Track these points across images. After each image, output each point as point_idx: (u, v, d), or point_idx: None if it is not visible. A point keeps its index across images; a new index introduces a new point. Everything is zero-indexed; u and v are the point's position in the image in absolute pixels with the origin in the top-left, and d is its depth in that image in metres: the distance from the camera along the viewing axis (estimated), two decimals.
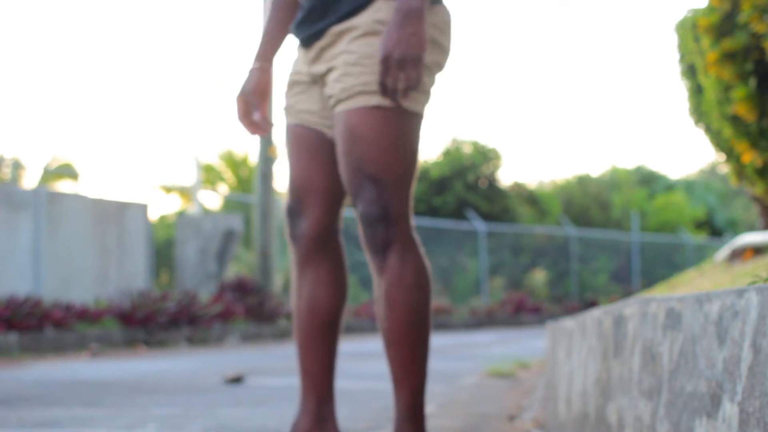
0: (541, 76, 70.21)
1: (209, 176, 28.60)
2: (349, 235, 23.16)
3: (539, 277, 27.14)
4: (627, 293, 23.92)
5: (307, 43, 2.79)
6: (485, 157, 28.97)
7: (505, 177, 36.53)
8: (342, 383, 5.36)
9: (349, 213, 21.74)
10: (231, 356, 10.15)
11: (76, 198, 15.08)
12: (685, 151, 74.69)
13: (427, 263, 2.75)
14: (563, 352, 3.70)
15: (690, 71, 6.48)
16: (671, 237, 31.64)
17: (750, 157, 5.26)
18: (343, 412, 4.28)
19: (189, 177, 21.57)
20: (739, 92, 4.89)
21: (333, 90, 2.72)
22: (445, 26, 2.77)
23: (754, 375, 1.36)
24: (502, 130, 61.89)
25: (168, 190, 25.49)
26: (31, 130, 40.87)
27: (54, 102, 46.47)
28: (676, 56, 6.61)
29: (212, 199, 28.63)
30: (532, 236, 28.16)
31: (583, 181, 33.19)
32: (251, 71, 2.92)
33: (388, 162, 2.68)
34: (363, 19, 2.68)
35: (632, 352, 2.17)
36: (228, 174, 29.35)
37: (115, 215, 15.30)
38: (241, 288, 15.08)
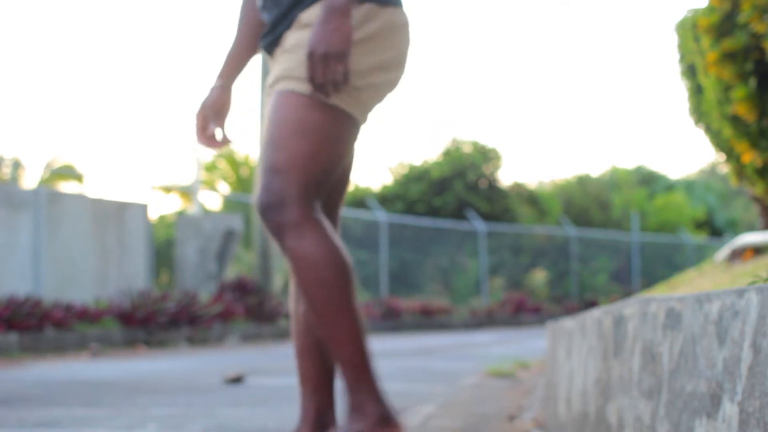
0: (541, 76, 70.22)
1: (209, 176, 28.60)
2: (348, 234, 23.13)
3: (539, 277, 27.14)
4: (627, 293, 23.92)
5: (269, 51, 2.84)
6: (485, 157, 28.97)
7: (505, 177, 36.53)
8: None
9: (348, 213, 21.75)
10: (231, 356, 10.15)
11: (76, 198, 15.08)
12: (685, 151, 74.72)
13: (333, 241, 2.67)
14: (563, 352, 3.70)
15: (690, 71, 6.48)
16: (671, 237, 31.64)
17: (750, 157, 5.26)
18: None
19: (189, 177, 21.56)
20: (739, 92, 4.89)
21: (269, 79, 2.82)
22: (389, 30, 2.76)
23: (754, 375, 1.36)
24: (502, 130, 61.92)
25: (168, 190, 25.49)
26: (31, 130, 40.87)
27: (54, 102, 46.47)
28: (676, 56, 6.62)
29: (212, 199, 28.64)
30: (532, 236, 28.16)
31: (583, 181, 33.20)
32: (212, 89, 2.99)
33: (289, 147, 2.67)
34: (307, 14, 2.73)
35: (632, 352, 2.17)
36: (228, 174, 29.36)
37: (115, 215, 15.30)
38: (241, 288, 15.09)
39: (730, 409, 1.45)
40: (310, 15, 2.72)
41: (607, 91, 72.35)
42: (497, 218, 27.61)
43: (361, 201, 25.63)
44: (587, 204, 31.84)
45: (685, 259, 29.60)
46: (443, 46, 63.89)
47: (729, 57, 4.91)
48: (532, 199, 30.70)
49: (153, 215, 22.76)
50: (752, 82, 4.88)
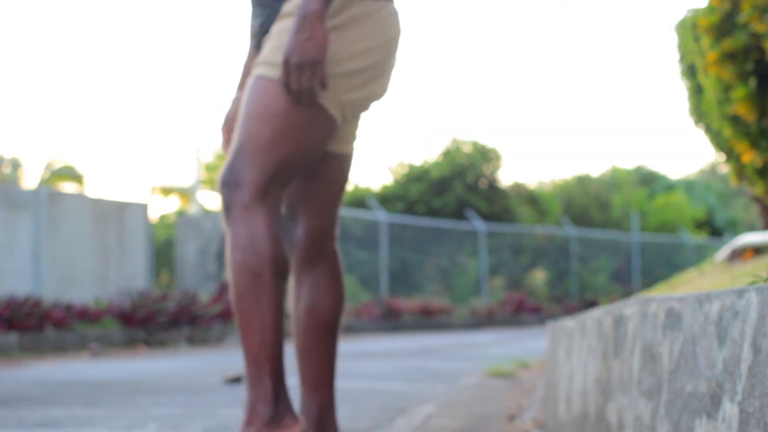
0: (541, 76, 70.22)
1: (209, 176, 28.60)
2: (348, 234, 23.15)
3: (539, 277, 27.14)
4: (627, 293, 23.92)
5: (258, 49, 2.88)
6: (485, 157, 28.96)
7: (505, 177, 36.54)
8: (342, 383, 5.37)
9: (348, 213, 21.75)
10: (231, 356, 10.15)
11: (76, 198, 15.08)
12: (685, 151, 74.71)
13: (270, 231, 2.67)
14: (563, 352, 3.70)
15: (690, 71, 6.49)
16: (671, 237, 31.64)
17: (750, 157, 5.26)
18: (343, 411, 4.28)
19: (189, 177, 21.55)
20: (739, 92, 4.89)
21: None
22: (363, 19, 2.77)
23: (754, 375, 1.36)
24: (502, 130, 61.92)
25: (167, 192, 25.49)
26: (31, 130, 40.87)
27: (54, 102, 46.47)
28: (676, 56, 6.62)
29: (212, 199, 28.63)
30: (532, 236, 28.16)
31: (583, 181, 33.19)
32: (234, 101, 3.04)
33: (252, 130, 2.70)
34: (288, 4, 2.77)
35: (632, 352, 2.17)
36: None
37: (115, 215, 15.30)
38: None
39: (730, 409, 1.45)
40: (291, 5, 2.75)
41: (607, 91, 72.35)
42: (497, 218, 27.61)
43: (361, 201, 25.63)
44: (587, 204, 31.84)
45: (685, 259, 29.61)
46: (443, 46, 63.90)
47: (729, 57, 4.92)
48: (532, 199, 30.69)
49: (153, 215, 22.78)
50: (752, 82, 4.88)
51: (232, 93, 3.06)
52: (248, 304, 2.64)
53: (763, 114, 4.93)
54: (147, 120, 47.59)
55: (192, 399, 5.35)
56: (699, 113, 6.46)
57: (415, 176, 28.57)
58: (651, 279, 26.65)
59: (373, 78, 2.79)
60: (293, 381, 3.00)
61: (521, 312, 22.45)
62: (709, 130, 6.33)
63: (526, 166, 64.08)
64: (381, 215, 22.17)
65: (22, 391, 5.85)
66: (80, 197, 15.12)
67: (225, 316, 13.42)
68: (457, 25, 63.73)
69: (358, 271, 21.24)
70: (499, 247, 26.46)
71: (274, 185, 2.71)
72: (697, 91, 6.42)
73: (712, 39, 4.97)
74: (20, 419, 4.32)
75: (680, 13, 6.76)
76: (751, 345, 1.38)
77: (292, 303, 2.95)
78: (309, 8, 2.62)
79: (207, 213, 20.13)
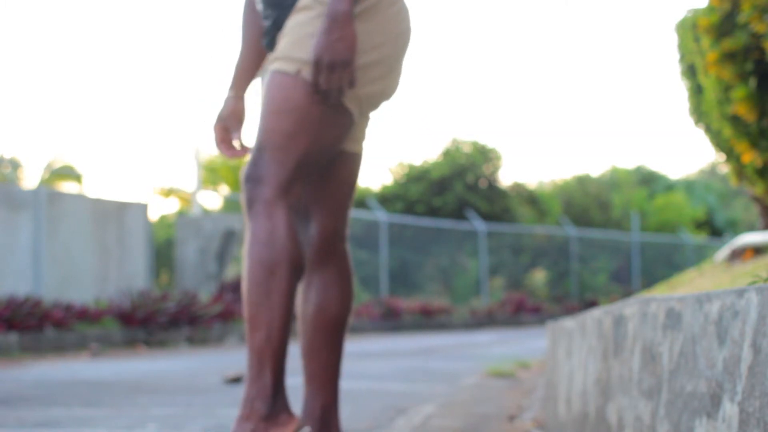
0: (541, 76, 70.21)
1: (209, 176, 28.60)
2: (349, 234, 23.14)
3: (539, 277, 27.14)
4: (627, 293, 23.92)
5: (271, 47, 2.87)
6: (485, 157, 28.96)
7: (505, 177, 36.52)
8: (342, 383, 5.35)
9: None
10: (231, 356, 10.15)
11: (76, 198, 15.08)
12: (685, 151, 74.70)
13: (289, 229, 2.68)
14: (563, 352, 3.70)
15: (690, 71, 6.48)
16: (671, 237, 31.64)
17: (750, 157, 5.26)
18: (343, 411, 4.28)
19: (189, 177, 21.56)
20: (739, 92, 4.89)
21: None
22: (373, 12, 2.77)
23: (754, 375, 1.36)
24: (502, 130, 61.91)
25: (167, 194, 25.49)
26: (31, 130, 40.86)
27: (54, 102, 46.46)
28: (676, 56, 6.61)
29: (212, 200, 28.64)
30: (532, 236, 28.16)
31: (583, 181, 33.19)
32: (227, 99, 3.03)
33: (272, 125, 2.72)
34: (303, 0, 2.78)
35: (632, 352, 2.17)
36: (228, 174, 29.37)
37: (115, 215, 15.30)
38: (241, 288, 15.08)
39: (730, 409, 1.45)
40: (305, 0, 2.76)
41: (607, 91, 72.34)
42: (497, 218, 27.61)
43: (361, 201, 25.63)
44: (587, 204, 31.83)
45: (685, 259, 29.60)
46: (443, 46, 63.89)
47: (729, 57, 4.91)
48: (532, 199, 30.69)
49: (153, 215, 22.79)
50: (752, 82, 4.88)
51: (224, 92, 3.05)
52: (259, 297, 2.65)
53: (763, 114, 4.93)
54: (147, 120, 47.58)
55: (192, 399, 5.35)
56: (699, 113, 6.46)
57: (415, 176, 28.57)
58: (651, 279, 26.65)
59: (384, 74, 2.80)
60: (298, 381, 3.01)
61: (521, 312, 22.45)
62: (709, 130, 6.33)
63: (526, 166, 64.09)
64: (381, 215, 22.16)
65: (22, 391, 5.85)
66: (80, 197, 15.12)
67: (225, 316, 13.42)
68: (458, 24, 63.72)
69: (358, 271, 21.23)
70: (499, 247, 26.46)
71: (295, 182, 2.73)
72: (697, 91, 6.42)
73: (712, 39, 4.97)
74: (20, 419, 4.32)
75: (680, 13, 6.76)
76: (751, 345, 1.38)
77: (299, 302, 2.95)
78: (338, 8, 2.63)
79: (207, 213, 20.13)
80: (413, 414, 4.64)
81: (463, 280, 25.27)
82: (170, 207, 27.03)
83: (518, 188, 30.40)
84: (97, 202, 15.05)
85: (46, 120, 43.28)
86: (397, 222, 23.65)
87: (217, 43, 52.19)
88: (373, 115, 2.92)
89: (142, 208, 15.89)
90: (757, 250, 5.16)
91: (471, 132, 54.07)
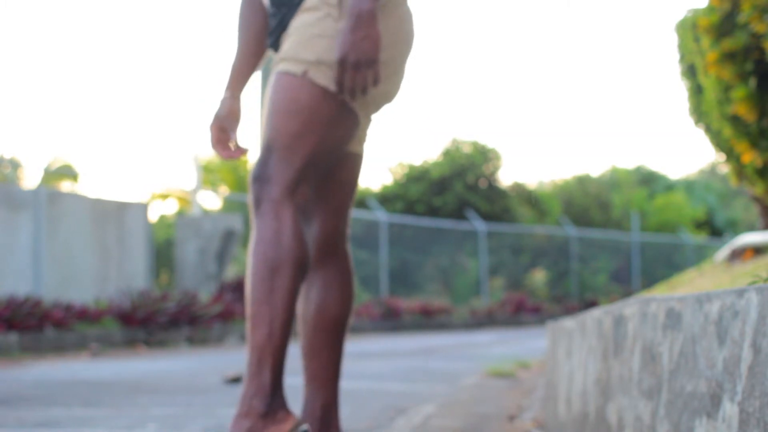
0: (541, 76, 70.21)
1: (209, 176, 28.60)
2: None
3: (539, 277, 27.13)
4: (627, 293, 23.92)
5: (276, 48, 2.87)
6: (485, 157, 28.96)
7: (505, 177, 36.51)
8: (342, 383, 5.35)
9: None
10: (231, 356, 10.15)
11: (76, 198, 15.08)
12: (685, 151, 74.69)
13: (294, 228, 2.70)
14: (563, 352, 3.70)
15: (690, 71, 6.48)
16: (671, 237, 31.64)
17: (750, 157, 5.26)
18: (343, 411, 4.28)
19: (189, 177, 21.55)
20: (739, 92, 4.89)
21: None
22: (390, 12, 2.78)
23: (754, 375, 1.36)
24: (502, 130, 61.90)
25: (164, 197, 25.51)
26: (31, 130, 40.86)
27: (54, 102, 46.46)
28: (676, 56, 6.61)
29: (212, 200, 28.64)
30: (532, 236, 28.16)
31: (583, 181, 33.19)
32: (223, 100, 3.02)
33: (279, 125, 2.73)
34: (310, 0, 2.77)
35: (632, 352, 2.17)
36: (227, 174, 29.37)
37: (115, 215, 15.30)
38: (241, 288, 15.07)
39: (730, 409, 1.45)
40: (313, 0, 2.75)
41: (607, 91, 72.33)
42: (497, 218, 27.61)
43: (361, 201, 25.63)
44: (587, 204, 31.83)
45: (685, 259, 29.60)
46: (443, 46, 63.88)
47: (729, 57, 4.91)
48: (532, 199, 30.69)
49: (153, 215, 22.78)
50: (752, 82, 4.88)
51: (221, 93, 3.04)
52: (262, 295, 2.66)
53: (763, 114, 4.93)
54: (146, 120, 47.58)
55: (192, 399, 5.35)
56: (699, 113, 6.46)
57: (415, 176, 28.58)
58: (651, 279, 26.64)
59: (389, 76, 2.81)
60: (298, 381, 3.01)
61: (521, 312, 22.45)
62: (709, 130, 6.33)
63: (526, 166, 64.09)
64: (381, 215, 22.16)
65: (22, 391, 5.84)
66: (80, 197, 15.12)
67: (225, 316, 13.42)
68: (458, 24, 63.71)
69: (358, 271, 21.22)
70: (499, 247, 26.46)
71: (302, 182, 2.74)
72: (697, 91, 6.42)
73: (712, 39, 4.97)
74: (20, 419, 4.32)
75: (680, 13, 6.76)
76: (751, 345, 1.38)
77: (300, 302, 2.95)
78: (363, 7, 2.63)
79: (207, 213, 20.13)
80: (413, 414, 4.64)
81: (463, 280, 25.27)
82: (170, 207, 27.04)
83: (518, 188, 30.40)
84: (97, 202, 15.05)
85: (46, 120, 43.28)
86: (397, 222, 23.65)
87: (215, 43, 52.19)
88: (375, 117, 2.93)
89: (142, 208, 15.88)
90: (757, 250, 5.16)
91: (471, 132, 54.07)
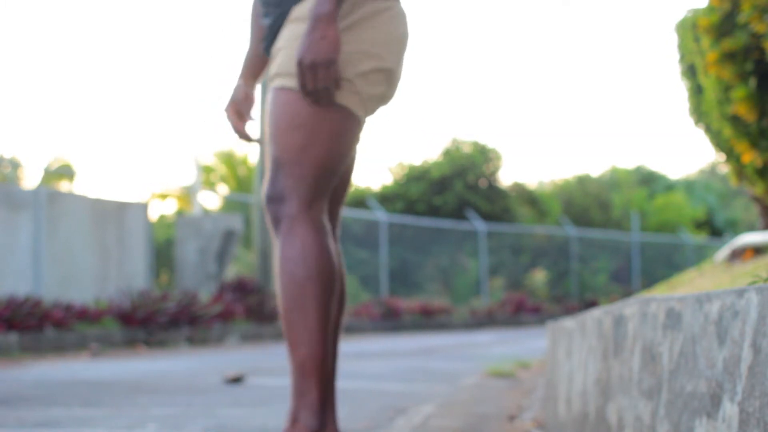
0: (541, 76, 70.21)
1: (209, 177, 28.60)
2: (348, 234, 23.16)
3: (539, 277, 27.14)
4: (627, 293, 23.92)
5: (267, 53, 2.90)
6: (485, 157, 28.97)
7: (505, 177, 36.52)
8: (341, 383, 5.36)
9: (348, 213, 21.74)
10: (231, 356, 10.15)
11: (76, 198, 15.08)
12: (685, 151, 74.72)
13: (321, 242, 2.71)
14: (563, 352, 3.70)
15: (690, 71, 6.48)
16: (671, 237, 31.64)
17: (750, 157, 5.26)
18: (342, 412, 4.28)
19: (189, 177, 21.56)
20: (739, 92, 4.89)
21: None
22: (372, 18, 2.78)
23: (754, 375, 1.36)
24: (502, 130, 61.91)
25: (163, 196, 25.52)
26: (30, 130, 40.87)
27: (54, 102, 46.46)
28: (676, 56, 6.61)
29: (212, 200, 28.63)
30: (532, 236, 28.16)
31: (583, 181, 33.20)
32: (237, 87, 3.07)
33: (284, 142, 2.73)
34: (298, 8, 2.78)
35: (632, 352, 2.17)
36: (228, 174, 29.37)
37: (115, 215, 15.30)
38: (241, 288, 15.08)
39: (730, 409, 1.45)
40: (302, 9, 2.76)
41: (607, 91, 72.34)
42: (497, 218, 27.61)
43: (361, 201, 25.63)
44: (587, 204, 31.84)
45: (685, 259, 29.60)
46: (443, 46, 63.89)
47: (729, 57, 4.91)
48: (532, 199, 30.69)
49: (153, 215, 22.77)
50: (752, 82, 4.88)
51: (234, 81, 3.09)
52: (296, 316, 2.67)
53: (763, 114, 4.93)
54: (146, 120, 47.58)
55: (192, 399, 5.35)
56: (699, 113, 6.46)
57: (415, 176, 28.59)
58: (651, 279, 26.65)
59: (384, 79, 2.81)
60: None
61: (521, 312, 22.45)
62: (709, 130, 6.33)
63: (526, 166, 64.10)
64: (381, 215, 22.16)
65: (22, 391, 5.84)
66: (80, 197, 15.12)
67: (225, 316, 13.42)
68: (458, 24, 63.71)
69: (358, 271, 21.24)
70: (499, 247, 26.46)
71: (318, 195, 2.74)
72: (697, 91, 6.42)
73: (712, 39, 4.97)
74: (20, 419, 4.32)
75: (680, 13, 6.76)
76: (751, 345, 1.38)
77: None
78: (321, 10, 2.64)
79: (207, 213, 20.13)
80: (413, 414, 4.64)
81: (463, 280, 25.28)
82: (170, 207, 27.04)
83: (518, 188, 30.41)
84: (97, 202, 15.05)
85: (46, 120, 43.28)
86: (397, 222, 23.65)
87: (215, 42, 52.20)
88: (370, 119, 2.93)
89: (142, 208, 15.88)
90: (757, 250, 5.16)
91: (471, 132, 54.08)
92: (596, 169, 55.14)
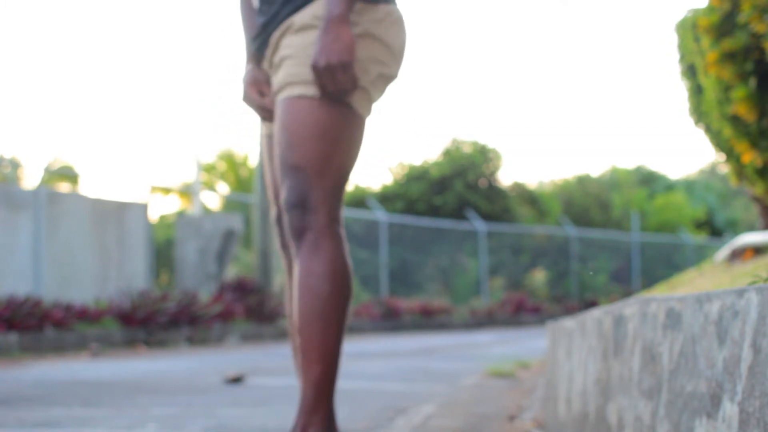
0: (541, 76, 70.20)
1: (209, 176, 28.61)
2: (348, 234, 23.16)
3: (539, 277, 27.14)
4: (627, 293, 23.92)
5: (261, 52, 2.89)
6: (485, 157, 28.97)
7: (505, 177, 36.52)
8: (341, 383, 5.36)
9: (348, 213, 21.74)
10: (231, 356, 10.15)
11: (76, 198, 15.08)
12: (685, 151, 74.73)
13: (346, 259, 2.74)
14: (563, 352, 3.70)
15: (690, 71, 6.48)
16: (671, 237, 31.64)
17: (750, 157, 5.26)
18: (342, 412, 4.28)
19: (189, 177, 21.56)
20: (739, 92, 4.89)
21: (273, 86, 2.84)
22: (379, 25, 2.79)
23: (754, 375, 1.36)
24: (502, 130, 61.91)
25: (166, 192, 25.50)
26: (31, 131, 40.86)
27: (54, 102, 46.46)
28: (676, 56, 6.61)
29: (212, 199, 28.64)
30: (532, 236, 28.16)
31: (583, 181, 33.20)
32: (248, 70, 3.00)
33: (307, 151, 2.72)
34: (300, 15, 2.77)
35: (632, 352, 2.17)
36: (228, 174, 29.37)
37: (115, 215, 15.30)
38: (241, 288, 15.08)
39: (730, 409, 1.45)
40: (304, 17, 2.76)
41: (607, 91, 72.34)
42: (497, 218, 27.61)
43: (361, 201, 25.62)
44: (587, 204, 31.84)
45: (685, 259, 29.60)
46: (443, 46, 63.88)
47: (729, 57, 4.91)
48: (532, 199, 30.69)
49: (153, 215, 22.78)
50: (752, 82, 4.88)
51: (243, 67, 3.03)
52: (315, 330, 2.68)
53: (763, 114, 4.93)
54: (146, 120, 47.58)
55: (192, 399, 5.35)
56: (699, 113, 6.46)
57: (415, 176, 28.59)
58: (651, 279, 26.65)
59: (386, 85, 2.84)
60: (293, 381, 3.00)
61: (521, 312, 22.45)
62: (709, 130, 6.33)
63: (526, 166, 64.10)
64: (381, 215, 22.16)
65: (22, 391, 5.84)
66: (80, 197, 15.12)
67: (225, 316, 13.42)
68: (458, 24, 63.70)
69: (358, 271, 21.23)
70: (499, 247, 26.46)
71: (340, 206, 2.77)
72: (697, 91, 6.42)
73: (712, 39, 4.97)
74: (20, 419, 4.32)
75: (680, 13, 6.76)
76: (751, 345, 1.38)
77: (288, 304, 2.96)
78: (333, 12, 2.64)
79: (207, 213, 20.13)
80: (413, 414, 4.64)
81: (463, 280, 25.27)
82: (170, 207, 27.04)
83: (518, 188, 30.41)
84: (97, 202, 15.05)
85: (46, 120, 43.28)
86: (397, 222, 23.65)
87: (214, 42, 52.19)
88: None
89: (142, 208, 15.88)
90: (757, 250, 5.15)
91: (471, 132, 54.08)
92: (596, 169, 55.18)
